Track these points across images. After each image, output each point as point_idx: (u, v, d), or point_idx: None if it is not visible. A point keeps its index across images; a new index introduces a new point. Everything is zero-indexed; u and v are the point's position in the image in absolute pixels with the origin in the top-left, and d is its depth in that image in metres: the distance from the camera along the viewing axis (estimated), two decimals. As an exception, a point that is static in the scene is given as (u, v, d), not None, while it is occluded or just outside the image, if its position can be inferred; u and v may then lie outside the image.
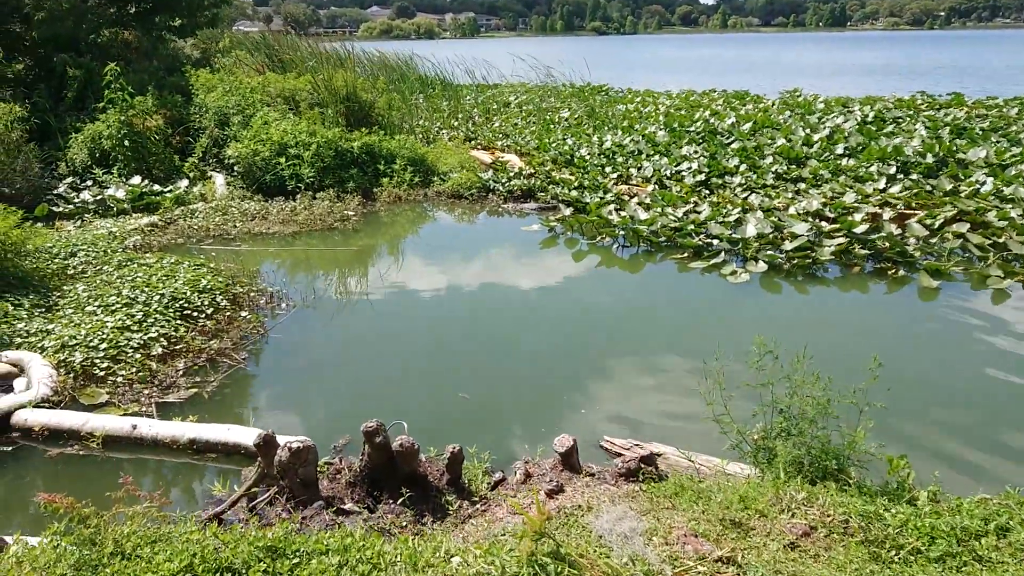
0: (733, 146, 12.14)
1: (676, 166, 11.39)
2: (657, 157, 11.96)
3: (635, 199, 9.99)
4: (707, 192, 10.31)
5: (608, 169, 11.68)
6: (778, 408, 4.10)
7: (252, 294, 6.99)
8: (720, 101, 17.95)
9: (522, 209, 10.58)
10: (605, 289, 7.50)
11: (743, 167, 10.95)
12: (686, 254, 8.23)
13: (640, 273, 7.99)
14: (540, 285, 7.57)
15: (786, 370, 4.12)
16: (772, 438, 4.08)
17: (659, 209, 9.25)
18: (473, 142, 14.89)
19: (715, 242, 8.28)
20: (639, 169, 11.58)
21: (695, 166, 11.14)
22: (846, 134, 12.46)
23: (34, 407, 5.05)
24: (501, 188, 11.17)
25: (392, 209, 10.61)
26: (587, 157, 12.51)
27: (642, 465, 4.33)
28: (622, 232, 8.74)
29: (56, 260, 7.28)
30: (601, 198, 10.05)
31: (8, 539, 3.42)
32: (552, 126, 15.78)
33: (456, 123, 16.54)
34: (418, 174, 11.50)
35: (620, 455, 4.61)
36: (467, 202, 10.98)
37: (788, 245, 7.97)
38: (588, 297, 7.25)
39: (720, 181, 10.52)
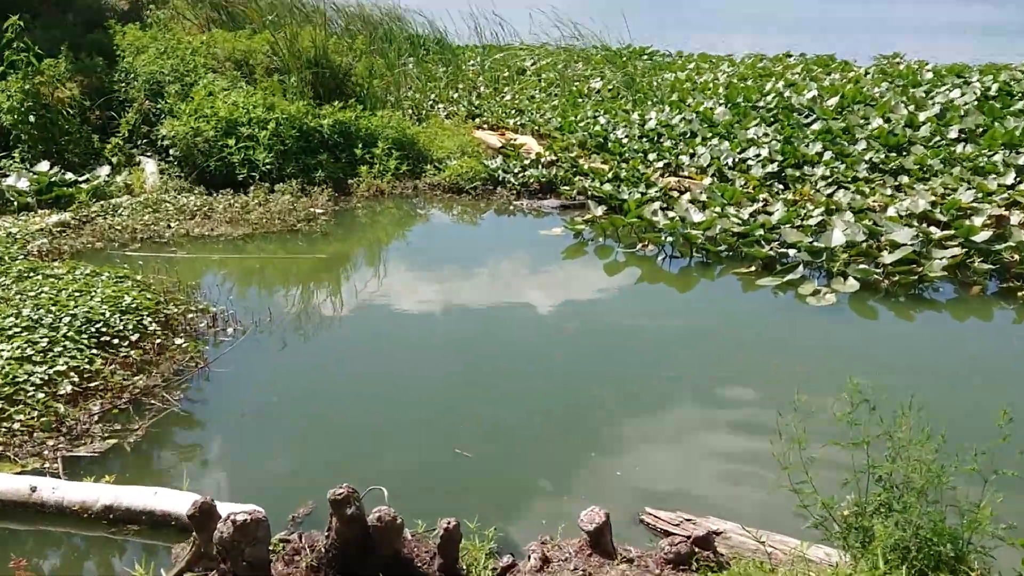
0: (814, 127, 12.15)
1: (740, 153, 11.39)
2: (716, 141, 11.97)
3: (687, 195, 9.98)
4: (781, 187, 10.30)
5: (652, 156, 11.69)
6: (876, 475, 4.03)
7: (190, 315, 6.98)
8: (798, 68, 17.98)
9: (540, 207, 10.59)
10: (646, 312, 7.47)
11: (827, 155, 10.96)
12: (753, 267, 8.21)
13: (692, 292, 7.96)
14: (562, 307, 7.56)
15: (886, 424, 4.05)
16: (868, 515, 4.00)
17: (718, 209, 9.24)
18: (477, 120, 14.93)
19: (791, 252, 8.27)
20: (692, 156, 11.58)
21: (765, 153, 11.15)
22: (961, 112, 12.43)
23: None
24: (513, 180, 11.20)
25: (372, 206, 10.63)
26: (625, 140, 12.53)
27: (695, 548, 4.26)
28: (670, 238, 8.73)
29: (-61, 269, 7.31)
30: (643, 194, 10.03)
31: None
32: (580, 100, 15.82)
33: (456, 95, 16.61)
34: (406, 161, 11.54)
35: (667, 534, 4.55)
36: (469, 198, 11.00)
37: (887, 257, 7.92)
38: (624, 322, 7.23)
39: (798, 173, 10.52)
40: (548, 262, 8.79)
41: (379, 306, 7.59)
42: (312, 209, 9.97)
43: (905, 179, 10.12)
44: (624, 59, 19.03)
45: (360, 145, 11.36)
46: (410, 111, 14.74)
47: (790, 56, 20.77)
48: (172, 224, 9.29)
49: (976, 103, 13.02)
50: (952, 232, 8.22)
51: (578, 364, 6.44)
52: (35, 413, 5.47)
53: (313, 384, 6.21)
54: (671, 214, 9.16)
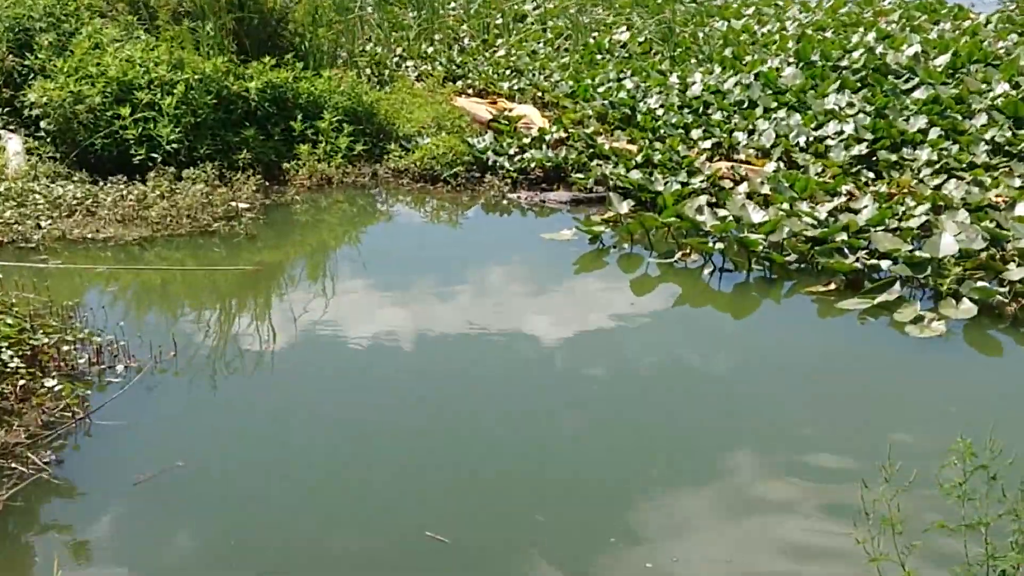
0: (916, 95, 12.26)
1: (816, 129, 11.49)
2: (783, 113, 12.05)
3: (743, 187, 10.03)
4: (870, 176, 10.39)
5: (696, 134, 11.77)
6: (998, 569, 4.03)
7: (66, 348, 6.98)
8: (895, 15, 18.11)
9: (544, 202, 10.68)
10: (688, 346, 7.50)
11: (934, 132, 11.04)
12: (832, 285, 8.25)
13: (751, 318, 8.00)
14: (573, 339, 7.58)
15: (1010, 500, 4.06)
16: (986, 623, 4.00)
17: (785, 205, 9.30)
18: (460, 83, 15.02)
19: (884, 265, 8.31)
20: (750, 134, 11.66)
21: (849, 130, 11.24)
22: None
23: None
24: (507, 165, 11.28)
25: (315, 199, 10.66)
26: (659, 112, 12.61)
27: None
28: (720, 245, 8.78)
29: None
30: (683, 184, 10.10)
31: None
32: (599, 57, 15.93)
33: (431, 49, 16.71)
34: (362, 138, 11.61)
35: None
36: (447, 189, 11.07)
37: (1014, 272, 7.96)
38: (658, 360, 7.26)
39: (893, 157, 10.59)
40: (554, 278, 8.82)
41: (324, 337, 7.60)
42: (234, 203, 10.01)
43: (1040, 166, 10.20)
44: (660, 2, 19.16)
45: (299, 117, 11.42)
46: (368, 71, 14.81)
47: (884, -2, 20.96)
48: (43, 223, 9.30)
49: None
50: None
51: (593, 416, 6.43)
52: None
53: (232, 442, 6.20)
54: (722, 212, 9.20)
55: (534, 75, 15.06)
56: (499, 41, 17.41)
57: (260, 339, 7.56)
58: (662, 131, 11.98)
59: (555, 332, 7.69)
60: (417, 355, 7.35)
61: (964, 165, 10.31)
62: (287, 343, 7.48)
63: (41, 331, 7.05)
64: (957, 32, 16.11)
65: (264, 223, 9.83)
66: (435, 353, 7.39)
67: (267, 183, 10.82)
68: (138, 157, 10.58)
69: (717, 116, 12.31)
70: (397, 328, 7.75)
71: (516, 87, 14.67)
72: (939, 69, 13.28)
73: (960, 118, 11.47)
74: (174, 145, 10.66)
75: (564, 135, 12.06)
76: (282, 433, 6.31)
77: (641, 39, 16.70)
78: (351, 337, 7.61)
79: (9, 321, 6.94)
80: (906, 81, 12.99)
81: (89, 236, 9.17)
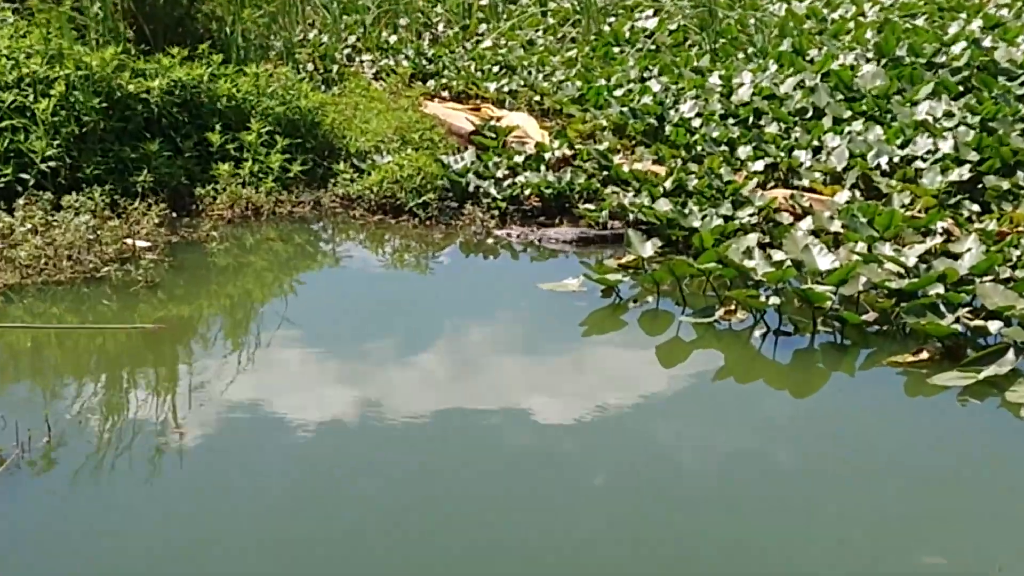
0: (1036, 102, 12.28)
1: (903, 147, 11.52)
2: (859, 125, 12.07)
3: (806, 223, 10.03)
4: (975, 209, 10.40)
5: (745, 151, 11.81)
6: None
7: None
8: (1005, -2, 18.17)
9: (542, 240, 10.69)
10: (733, 432, 7.47)
11: (1060, 152, 11.04)
12: (925, 353, 8.21)
13: (817, 398, 8.00)
14: (580, 423, 7.53)
15: None
16: None
17: (862, 247, 9.30)
18: (432, 83, 15.07)
19: (994, 327, 8.29)
20: (816, 153, 11.69)
21: (947, 148, 11.25)
22: None
23: None
24: (494, 193, 11.35)
25: (238, 236, 10.66)
26: (696, 123, 12.63)
27: None
28: (775, 299, 8.77)
29: None
30: (727, 219, 10.13)
31: None
32: (617, 50, 16.00)
33: (395, 39, 16.76)
34: (302, 156, 11.65)
35: None
36: (414, 223, 11.13)
37: None
38: (693, 453, 7.22)
39: (1004, 184, 10.64)
40: (555, 342, 8.83)
41: (247, 422, 7.56)
42: (130, 241, 10.03)
43: None
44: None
45: (218, 127, 11.45)
46: (311, 66, 14.88)
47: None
48: None
49: None
50: None
51: (607, 535, 6.39)
52: None
53: (126, 560, 6.17)
54: (778, 256, 9.23)
55: (530, 74, 15.15)
56: (484, 28, 17.54)
57: (162, 423, 7.50)
58: (699, 148, 12.03)
59: (555, 416, 7.63)
60: (370, 446, 7.28)
61: (1100, 197, 10.34)
62: (199, 429, 7.40)
63: None
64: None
65: (170, 267, 9.84)
66: (395, 445, 7.28)
67: (175, 214, 10.85)
68: (3, 179, 10.60)
69: (772, 129, 12.36)
70: (345, 410, 7.70)
71: (506, 89, 14.76)
72: (1067, 67, 13.35)
73: (1094, 133, 11.50)
74: (51, 163, 10.68)
75: (569, 153, 12.11)
76: (188, 552, 6.26)
77: (673, 26, 16.81)
78: (284, 423, 7.51)
79: None
80: (1022, 84, 13.03)
81: (-64, 283, 9.17)
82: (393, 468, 7.00)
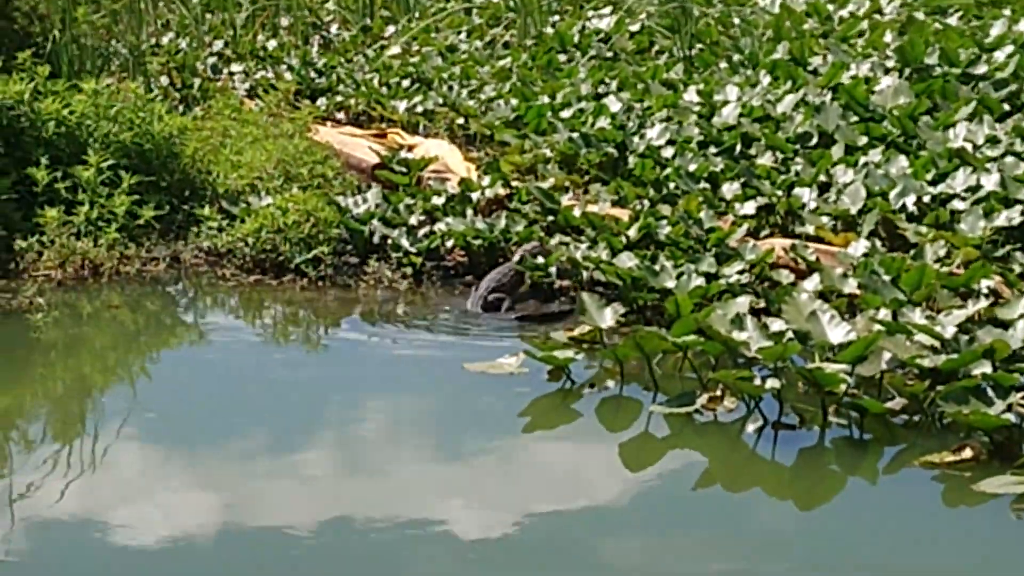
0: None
1: (934, 184, 11.52)
2: (878, 155, 12.09)
3: (812, 281, 10.03)
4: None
5: (731, 189, 11.80)
6: None
7: None
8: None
9: (467, 306, 10.61)
10: (720, 557, 7.42)
11: None
12: (968, 451, 8.18)
13: (829, 508, 7.98)
14: (517, 545, 7.50)
15: None
16: None
17: (885, 314, 9.28)
18: (325, 102, 15.04)
19: (1057, 419, 8.28)
20: (821, 191, 11.69)
21: (992, 184, 11.25)
22: None
23: None
24: (406, 244, 11.31)
25: (72, 302, 10.60)
26: (667, 151, 12.64)
27: None
28: (774, 383, 8.74)
29: None
30: (709, 277, 10.12)
31: None
32: (563, 58, 16.04)
33: (275, 45, 16.75)
34: (155, 197, 11.57)
35: None
36: (301, 284, 11.08)
37: None
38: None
39: (1065, 231, 10.65)
40: (486, 438, 8.79)
41: (79, 540, 7.50)
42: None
43: None
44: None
45: (45, 159, 11.37)
46: (166, 79, 14.83)
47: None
48: None
49: None
50: None
51: None
52: None
53: None
54: (776, 325, 9.21)
55: (451, 89, 15.19)
56: (391, 31, 17.55)
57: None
58: (671, 186, 12.02)
59: (486, 536, 7.56)
60: (236, 570, 7.28)
61: None
62: (20, 556, 7.36)
63: None
64: None
65: (-20, 343, 9.76)
66: (267, 569, 7.31)
67: (-13, 274, 10.78)
68: None
69: (766, 160, 12.39)
70: (206, 527, 7.63)
71: (420, 109, 14.77)
72: None
73: None
74: None
75: (504, 192, 12.10)
76: None
77: (635, 28, 16.88)
78: (135, 550, 7.44)
79: None
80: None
81: None
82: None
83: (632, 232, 11.01)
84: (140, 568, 7.28)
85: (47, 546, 7.48)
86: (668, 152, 12.66)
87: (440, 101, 14.86)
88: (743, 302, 9.55)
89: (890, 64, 14.40)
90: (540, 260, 10.71)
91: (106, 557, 7.38)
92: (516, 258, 10.78)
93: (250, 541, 7.58)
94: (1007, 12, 16.44)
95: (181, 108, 13.80)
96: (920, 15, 16.76)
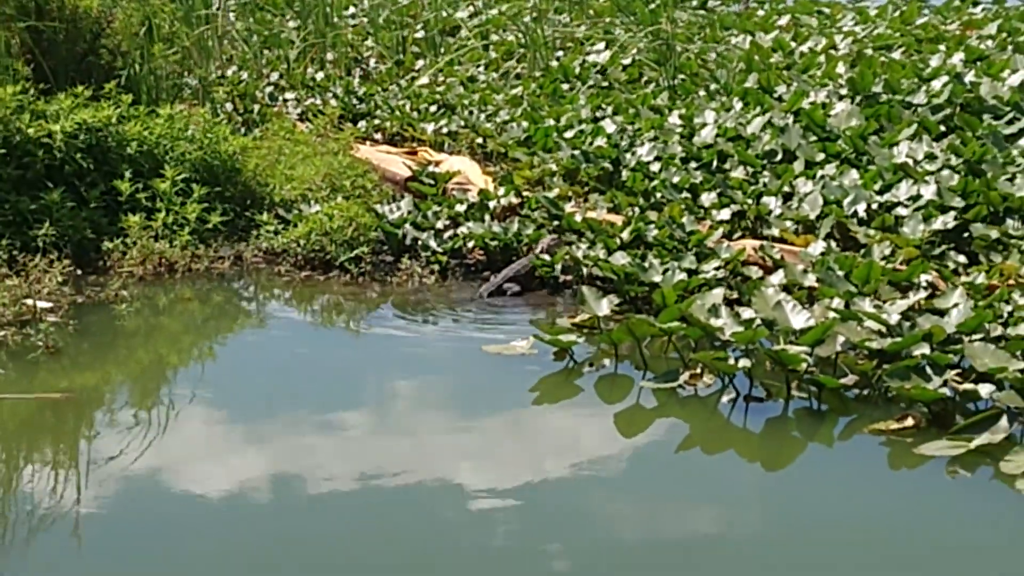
0: (1024, 143, 12.35)
1: (882, 192, 11.55)
2: (832, 168, 12.09)
3: (777, 276, 10.06)
4: (961, 261, 10.45)
5: (708, 198, 11.82)
6: None
7: None
8: (991, 27, 18.28)
9: (484, 296, 10.67)
10: (700, 508, 7.47)
11: (1052, 196, 11.09)
12: (910, 420, 8.19)
13: (792, 469, 8.03)
14: (528, 500, 7.52)
15: None
16: None
17: (840, 304, 9.30)
18: (364, 124, 15.05)
19: (985, 391, 8.28)
20: (787, 199, 11.70)
21: (930, 193, 11.28)
22: None
23: None
24: (434, 245, 11.33)
25: (151, 295, 10.60)
26: (654, 166, 12.63)
27: None
28: (745, 362, 8.77)
29: None
30: (690, 273, 10.15)
31: None
32: (566, 87, 16.03)
33: (322, 76, 16.75)
34: (221, 205, 11.61)
35: None
36: (345, 280, 11.10)
37: None
38: (655, 531, 7.19)
39: (993, 233, 10.68)
40: (501, 411, 8.82)
41: (159, 497, 7.53)
42: (30, 301, 9.95)
43: None
44: (654, 5, 19.37)
45: (128, 174, 11.38)
46: (230, 106, 14.84)
47: (975, 2, 21.24)
48: None
49: None
50: None
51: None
52: None
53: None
54: (747, 314, 9.20)
55: (471, 113, 15.15)
56: (420, 64, 17.55)
57: (66, 502, 7.45)
58: (658, 195, 12.00)
59: (500, 491, 7.59)
60: (292, 523, 7.23)
61: (1094, 245, 10.37)
62: (107, 508, 7.38)
63: None
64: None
65: (74, 331, 9.77)
66: (315, 523, 7.25)
67: (79, 271, 10.80)
68: None
69: (738, 173, 12.38)
70: (266, 485, 7.68)
71: (445, 130, 14.76)
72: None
73: (1089, 176, 11.54)
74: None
75: (516, 201, 12.09)
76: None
77: (627, 61, 16.87)
78: (198, 501, 7.49)
79: None
80: (1010, 123, 13.06)
81: None
82: (313, 547, 6.98)
83: (625, 235, 11.02)
84: (204, 515, 7.34)
85: (128, 498, 7.52)
86: (655, 167, 12.64)
87: (462, 124, 14.82)
88: (719, 294, 9.55)
89: (843, 92, 14.38)
90: (547, 257, 10.71)
91: (177, 507, 7.43)
92: (539, 248, 10.97)
93: (295, 492, 7.61)
94: (943, 48, 16.45)
95: (243, 130, 13.77)
96: (869, 51, 16.76)
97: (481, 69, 17.32)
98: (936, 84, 14.16)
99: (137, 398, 9.16)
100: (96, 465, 7.92)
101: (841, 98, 14.18)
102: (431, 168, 13.08)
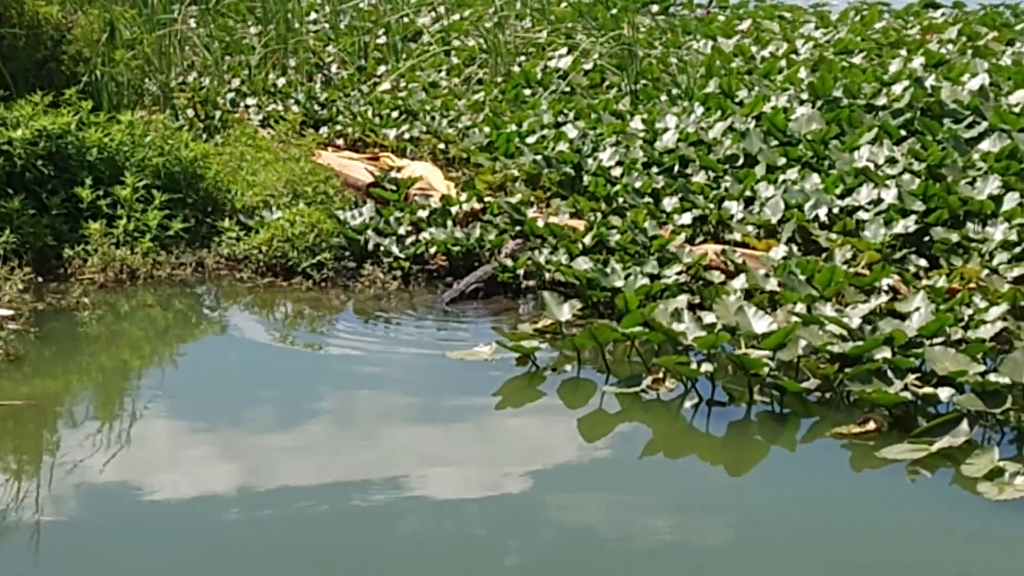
0: (984, 146, 12.41)
1: (843, 197, 11.59)
2: (795, 174, 12.10)
3: (740, 280, 10.08)
4: (922, 265, 10.48)
5: (670, 203, 11.81)
6: None
7: None
8: (951, 31, 18.38)
9: (446, 303, 10.67)
10: (663, 512, 7.48)
11: (1011, 200, 11.13)
12: (871, 423, 8.23)
13: (754, 473, 8.04)
14: (490, 504, 7.54)
15: None
16: None
17: (801, 308, 9.34)
18: (326, 131, 15.00)
19: (945, 394, 8.30)
20: (748, 204, 11.71)
21: (891, 197, 11.31)
22: None
23: None
24: (396, 251, 11.31)
25: (112, 302, 10.57)
26: (616, 171, 12.63)
27: None
28: (707, 367, 8.78)
29: None
30: (653, 278, 10.15)
31: None
32: (528, 92, 16.03)
33: (284, 82, 16.71)
34: (182, 212, 11.57)
35: None
36: (308, 286, 11.07)
37: None
38: (618, 535, 7.19)
39: (954, 236, 10.71)
40: (466, 414, 8.84)
41: (119, 502, 7.52)
42: (-11, 308, 9.90)
43: None
44: (616, 10, 19.36)
45: (88, 181, 11.33)
46: (191, 112, 14.78)
47: (935, 6, 21.33)
48: None
49: None
50: None
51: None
52: None
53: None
54: (709, 318, 9.21)
55: (433, 119, 15.12)
56: (382, 70, 17.50)
57: (25, 510, 7.41)
58: (621, 200, 11.98)
59: (463, 496, 7.62)
60: (253, 530, 7.24)
61: (1055, 248, 10.40)
62: (67, 515, 7.36)
63: None
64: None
65: (36, 338, 9.73)
66: (277, 527, 7.26)
67: (40, 278, 10.75)
68: None
69: (700, 178, 12.37)
70: (228, 493, 7.66)
71: (407, 136, 14.71)
72: (1016, 109, 13.42)
73: (1048, 179, 11.57)
74: None
75: (478, 206, 12.06)
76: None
77: (589, 66, 16.86)
78: (163, 507, 7.48)
79: None
80: (970, 127, 13.07)
81: None
82: (275, 554, 6.97)
83: (587, 240, 11.00)
84: (165, 522, 7.31)
85: (90, 507, 7.49)
86: (617, 172, 12.61)
87: (424, 129, 14.79)
88: (681, 299, 9.55)
89: (804, 96, 14.38)
90: (510, 263, 10.70)
91: (139, 514, 7.41)
92: (503, 253, 10.96)
93: (257, 499, 7.60)
94: (903, 52, 16.51)
95: (204, 136, 13.70)
96: (830, 55, 16.80)
97: (443, 74, 17.30)
98: (897, 88, 14.19)
99: (99, 405, 9.15)
100: (57, 472, 7.90)
101: (802, 102, 14.18)
102: (393, 174, 13.06)
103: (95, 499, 7.57)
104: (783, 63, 16.46)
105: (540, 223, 11.43)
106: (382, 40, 18.63)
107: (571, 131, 13.87)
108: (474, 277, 10.79)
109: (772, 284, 9.91)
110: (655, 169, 12.73)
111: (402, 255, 11.23)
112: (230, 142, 13.36)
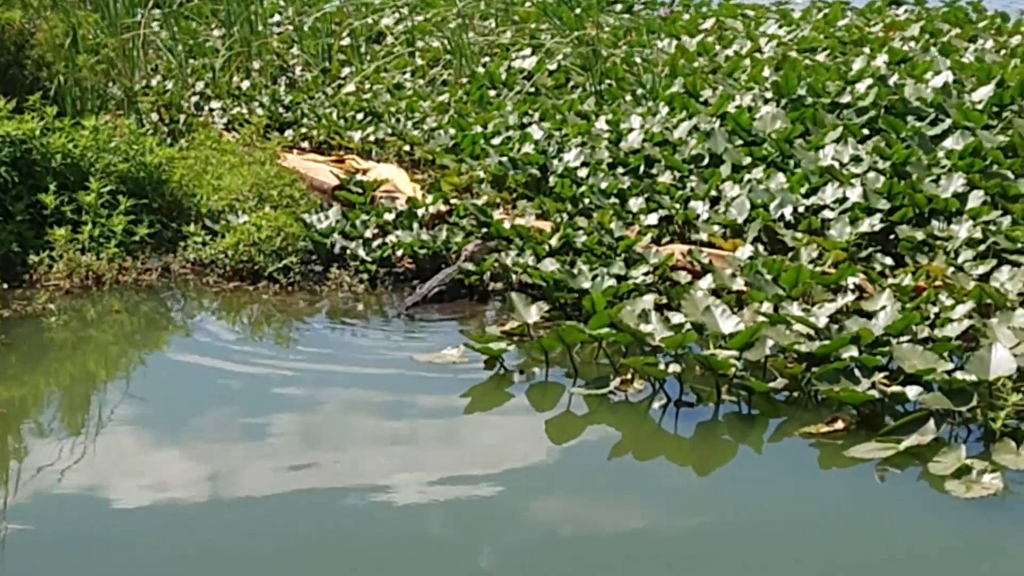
0: (948, 144, 12.46)
1: (808, 196, 11.62)
2: (760, 173, 12.13)
3: (706, 280, 10.11)
4: (888, 263, 10.52)
5: (636, 203, 11.83)
6: None
7: None
8: (914, 29, 18.44)
9: (415, 307, 10.63)
10: (631, 513, 7.50)
11: (975, 198, 11.19)
12: (839, 422, 8.26)
13: (722, 472, 8.08)
14: (458, 507, 7.54)
15: None
16: None
17: (768, 307, 9.36)
18: (291, 133, 14.99)
19: (912, 392, 8.32)
20: (714, 204, 11.72)
21: (856, 196, 11.35)
22: None
23: None
24: (363, 254, 11.31)
25: (78, 308, 10.55)
26: (582, 172, 12.63)
27: None
28: (675, 367, 8.81)
29: None
30: (619, 279, 10.17)
31: None
32: (493, 93, 16.01)
33: (248, 85, 16.67)
34: (148, 217, 11.53)
35: None
36: (274, 290, 11.06)
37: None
38: (586, 536, 7.21)
39: (919, 234, 10.76)
40: (434, 417, 8.83)
41: (86, 508, 7.52)
42: (-46, 317, 9.87)
43: None
44: (580, 10, 19.35)
45: (53, 187, 11.29)
46: (155, 116, 14.75)
47: (897, 3, 21.36)
48: None
49: None
50: None
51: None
52: None
53: None
54: (676, 319, 9.25)
55: (398, 121, 15.11)
56: (346, 72, 17.48)
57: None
58: (587, 201, 12.00)
59: (432, 498, 7.63)
60: (218, 533, 7.25)
61: (1021, 245, 10.42)
62: (34, 522, 7.28)
63: None
64: (1003, 53, 16.42)
65: (2, 345, 9.70)
66: (242, 532, 7.27)
67: (5, 285, 10.75)
68: None
69: (665, 178, 12.39)
70: (195, 498, 7.66)
71: (372, 138, 14.70)
72: (979, 106, 13.49)
73: (1013, 177, 11.56)
74: None
75: (444, 208, 12.06)
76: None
77: (553, 66, 16.85)
78: (130, 513, 7.46)
79: None
80: (933, 124, 13.11)
81: None
82: (242, 559, 6.97)
83: (554, 241, 11.02)
84: (132, 528, 7.30)
85: (55, 513, 7.46)
86: (583, 172, 12.62)
87: (389, 131, 14.78)
88: (648, 299, 9.59)
89: (768, 95, 14.40)
90: (471, 266, 10.69)
91: (106, 520, 7.42)
92: (462, 257, 10.89)
93: (224, 504, 7.60)
94: (867, 50, 16.55)
95: (169, 140, 13.67)
96: (793, 53, 16.82)
97: (407, 76, 17.28)
98: (860, 86, 14.22)
99: (66, 411, 9.14)
100: (24, 479, 7.88)
101: (766, 101, 14.21)
102: (359, 176, 13.04)
103: (60, 506, 7.55)
104: (747, 62, 16.47)
105: (507, 225, 11.43)
106: (346, 42, 18.58)
107: (536, 132, 13.88)
108: (436, 281, 10.77)
109: (739, 284, 9.94)
110: (620, 170, 12.75)
111: (369, 258, 11.23)
112: (195, 146, 13.31)
